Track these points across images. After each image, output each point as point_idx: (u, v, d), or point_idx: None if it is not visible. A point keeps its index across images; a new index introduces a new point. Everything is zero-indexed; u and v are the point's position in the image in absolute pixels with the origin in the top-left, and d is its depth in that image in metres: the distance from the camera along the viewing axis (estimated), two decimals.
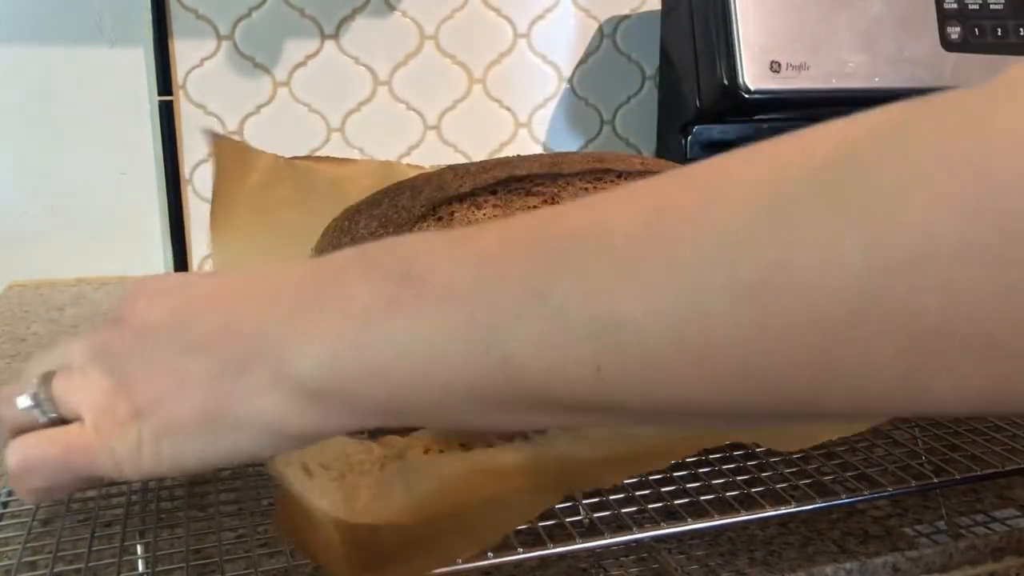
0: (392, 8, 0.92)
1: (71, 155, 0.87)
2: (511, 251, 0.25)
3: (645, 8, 1.00)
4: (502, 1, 0.95)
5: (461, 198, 0.44)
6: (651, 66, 1.01)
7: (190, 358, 0.28)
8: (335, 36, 0.91)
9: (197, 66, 0.88)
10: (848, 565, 0.37)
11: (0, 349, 0.66)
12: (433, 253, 0.26)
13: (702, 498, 0.38)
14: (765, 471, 0.42)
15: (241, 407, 0.27)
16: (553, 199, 0.45)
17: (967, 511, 0.41)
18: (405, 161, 0.95)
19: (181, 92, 0.88)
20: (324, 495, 0.36)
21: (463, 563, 0.33)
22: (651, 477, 0.40)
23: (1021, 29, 0.92)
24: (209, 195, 0.85)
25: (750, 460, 0.44)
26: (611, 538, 0.36)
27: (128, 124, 0.87)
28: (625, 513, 0.37)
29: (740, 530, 0.39)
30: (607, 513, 0.37)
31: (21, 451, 0.30)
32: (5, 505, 0.40)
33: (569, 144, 1.01)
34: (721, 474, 0.41)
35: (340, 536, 0.32)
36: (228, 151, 0.58)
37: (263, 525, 0.38)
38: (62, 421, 0.30)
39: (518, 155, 0.50)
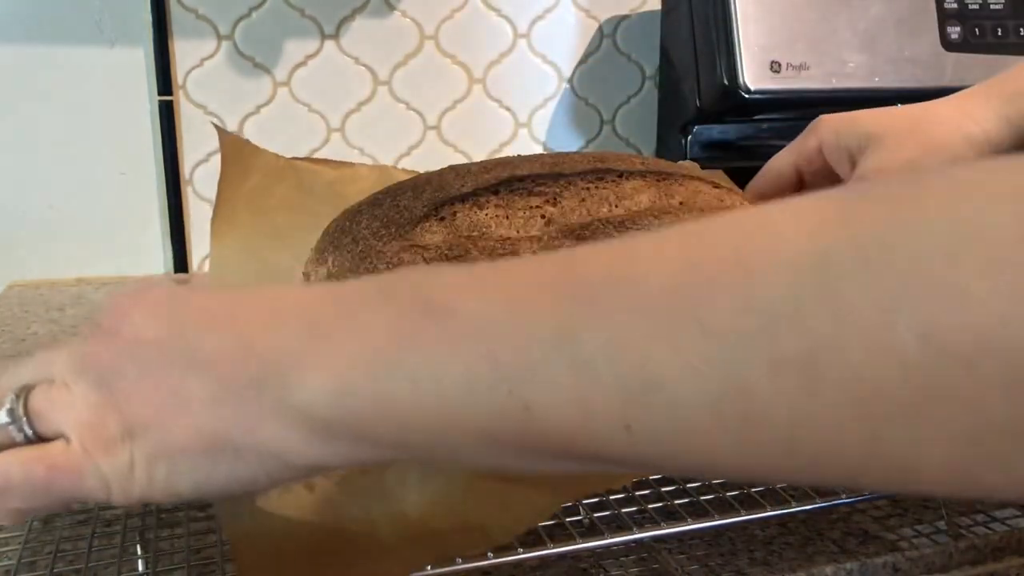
0: (392, 8, 0.92)
1: (71, 155, 0.87)
2: (539, 293, 0.23)
3: (645, 8, 1.00)
4: (502, 1, 0.95)
5: (463, 198, 0.44)
6: (651, 66, 1.01)
7: (190, 377, 0.26)
8: (335, 36, 0.91)
9: (197, 66, 0.88)
10: (848, 565, 0.37)
11: (0, 349, 0.66)
12: (457, 287, 0.25)
13: (702, 498, 0.38)
14: None
15: (242, 434, 0.25)
16: (554, 199, 0.45)
17: (967, 511, 0.41)
18: (405, 161, 0.95)
19: (181, 92, 0.88)
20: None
21: (463, 563, 0.33)
22: (651, 477, 0.40)
23: (1021, 29, 0.92)
24: (209, 195, 0.85)
25: None
26: (611, 538, 0.36)
27: (128, 124, 0.87)
28: (625, 513, 0.37)
29: (740, 530, 0.39)
30: (607, 513, 0.37)
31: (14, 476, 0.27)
32: None
33: (569, 144, 1.01)
34: None
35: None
36: (233, 148, 0.58)
37: None
38: (39, 439, 0.28)
39: (519, 155, 0.50)
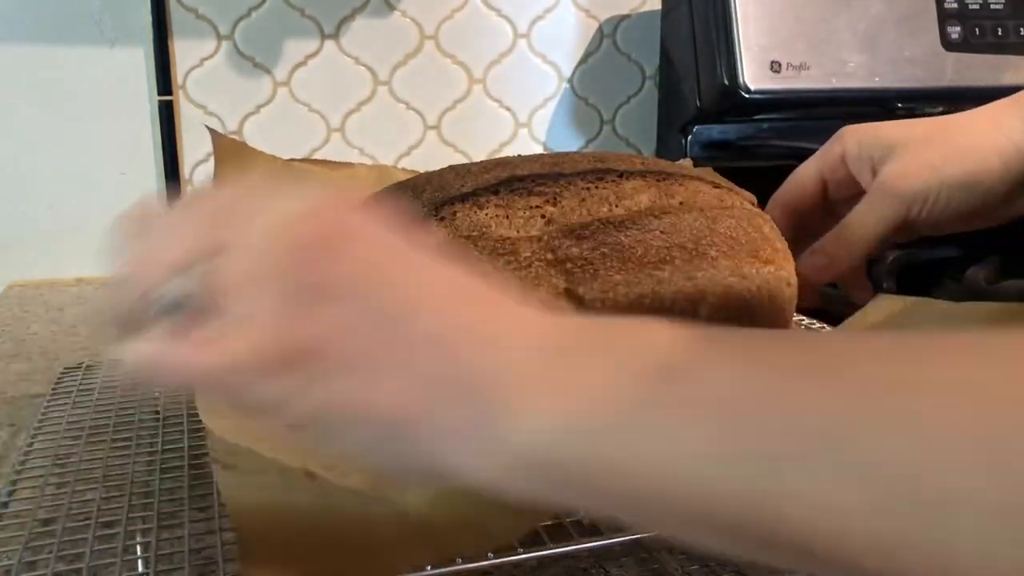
0: (392, 8, 0.92)
1: (71, 155, 0.87)
2: (802, 379, 0.21)
3: (645, 8, 1.00)
4: (502, 1, 0.95)
5: (463, 198, 0.44)
6: (651, 66, 1.01)
7: (411, 348, 0.24)
8: (335, 36, 0.91)
9: (197, 66, 0.88)
10: None
11: (0, 349, 0.66)
12: (699, 351, 0.23)
13: None
14: None
15: (426, 433, 0.24)
16: (554, 199, 0.45)
17: None
18: (405, 161, 0.95)
19: (181, 92, 0.88)
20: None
21: (463, 563, 0.33)
22: None
23: (1021, 29, 0.92)
24: None
25: None
26: (611, 538, 0.36)
27: (128, 124, 0.88)
28: None
29: None
30: None
31: (180, 354, 0.25)
32: (5, 505, 0.40)
33: (569, 144, 1.01)
34: None
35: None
36: (227, 150, 0.58)
37: None
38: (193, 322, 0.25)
39: (519, 155, 0.50)
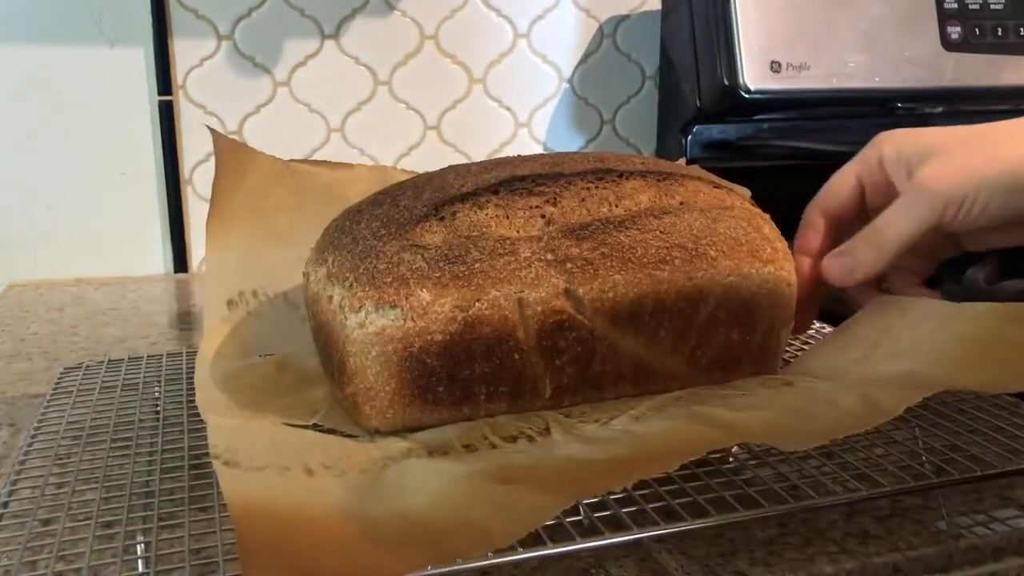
0: (392, 8, 0.92)
1: (71, 155, 0.87)
2: None
3: (645, 8, 1.00)
4: (502, 1, 0.95)
5: (463, 198, 0.44)
6: (651, 66, 1.01)
7: None
8: (335, 36, 0.91)
9: (197, 66, 0.88)
10: (848, 565, 0.37)
11: (0, 349, 0.66)
12: None
13: (702, 497, 0.38)
14: (765, 470, 0.42)
15: None
16: (554, 199, 0.45)
17: (967, 511, 0.41)
18: (405, 161, 0.95)
19: (181, 92, 0.88)
20: (328, 492, 0.36)
21: (463, 563, 0.33)
22: (651, 477, 0.40)
23: (1021, 29, 0.92)
24: (209, 195, 0.85)
25: (750, 460, 0.44)
26: (611, 538, 0.36)
27: (128, 124, 0.88)
28: (625, 513, 0.37)
29: (740, 530, 0.39)
30: (607, 513, 0.37)
31: None
32: (5, 505, 0.40)
33: (569, 144, 1.01)
34: (721, 473, 0.41)
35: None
36: (228, 150, 0.58)
37: None
38: None
39: (519, 155, 0.50)
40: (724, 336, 0.46)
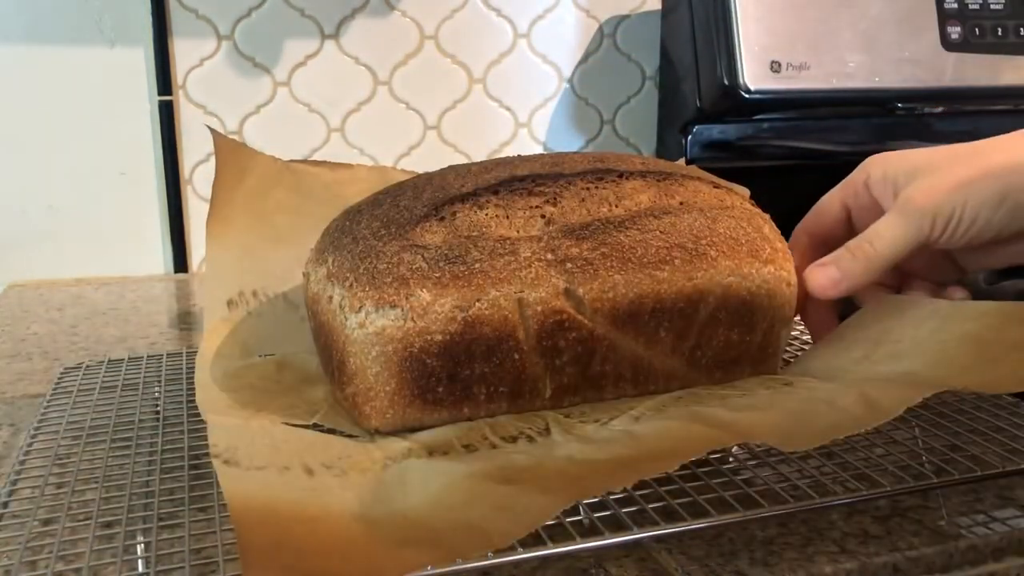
0: (392, 8, 0.92)
1: (71, 155, 0.87)
2: None
3: (645, 8, 1.00)
4: (502, 1, 0.95)
5: (463, 198, 0.44)
6: (651, 66, 1.02)
7: None
8: (335, 36, 0.91)
9: (197, 66, 0.88)
10: (848, 565, 0.37)
11: (0, 349, 0.66)
12: None
13: (701, 497, 0.38)
14: (765, 470, 0.42)
15: None
16: (555, 199, 0.45)
17: (967, 511, 0.41)
18: (405, 161, 0.95)
19: (181, 92, 0.88)
20: (328, 492, 0.36)
21: (463, 563, 0.33)
22: (651, 477, 0.40)
23: (1021, 29, 0.92)
24: (209, 195, 0.85)
25: (750, 460, 0.44)
26: (611, 538, 0.36)
27: (128, 124, 0.88)
28: (625, 513, 0.37)
29: (740, 530, 0.39)
30: (607, 513, 0.37)
31: None
32: (5, 505, 0.40)
33: (569, 144, 1.01)
34: (721, 474, 0.41)
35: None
36: (227, 150, 0.58)
37: None
38: None
39: (519, 155, 0.50)
40: (724, 336, 0.46)
